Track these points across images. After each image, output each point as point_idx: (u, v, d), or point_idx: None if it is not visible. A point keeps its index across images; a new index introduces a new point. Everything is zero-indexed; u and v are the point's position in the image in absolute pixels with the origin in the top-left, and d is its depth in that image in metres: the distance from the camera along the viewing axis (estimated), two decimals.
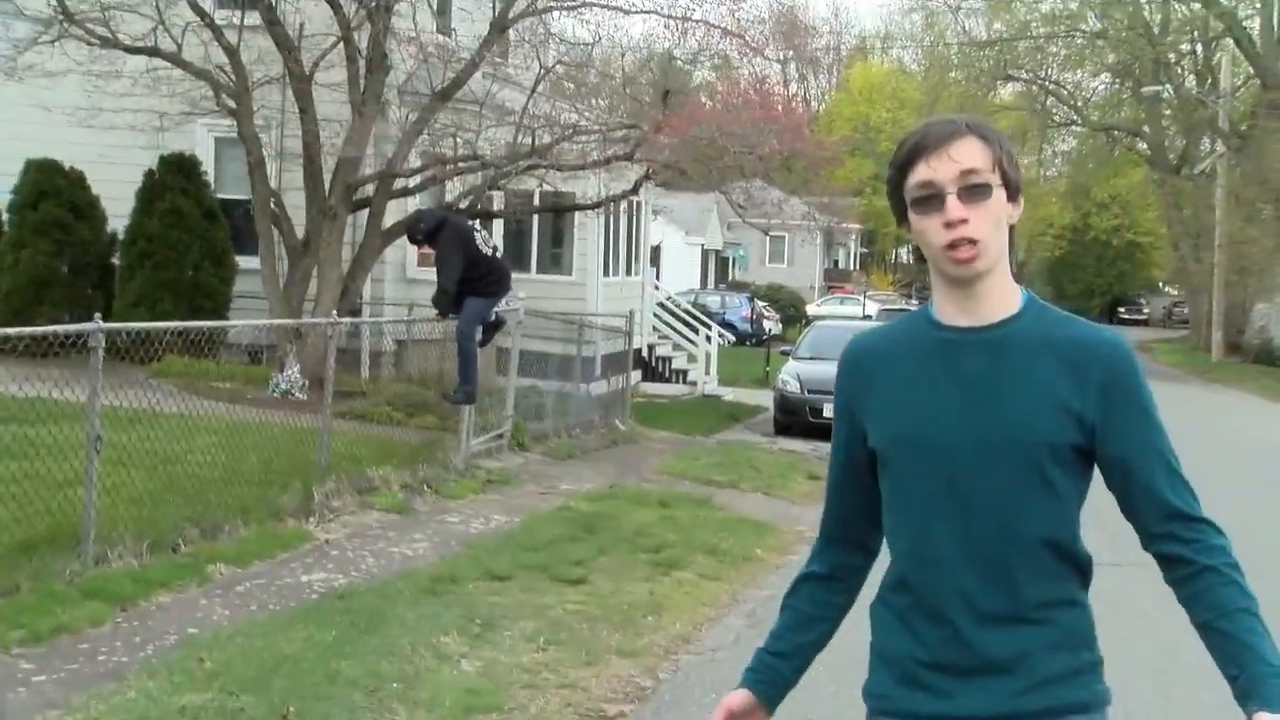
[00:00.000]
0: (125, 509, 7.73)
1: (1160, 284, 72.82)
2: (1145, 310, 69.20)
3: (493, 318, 11.81)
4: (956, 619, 2.27)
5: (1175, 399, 28.48)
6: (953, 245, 2.22)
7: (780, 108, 16.56)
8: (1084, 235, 65.88)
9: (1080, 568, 2.34)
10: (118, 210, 16.41)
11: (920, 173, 2.24)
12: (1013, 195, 2.28)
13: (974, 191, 2.22)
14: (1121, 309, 68.59)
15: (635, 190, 16.77)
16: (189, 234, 16.02)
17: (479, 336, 11.62)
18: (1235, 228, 36.91)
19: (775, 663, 2.53)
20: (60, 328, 6.90)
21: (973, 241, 2.21)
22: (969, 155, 2.23)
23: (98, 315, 7.10)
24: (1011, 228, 2.31)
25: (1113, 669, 2.40)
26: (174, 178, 16.15)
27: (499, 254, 12.49)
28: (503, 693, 5.82)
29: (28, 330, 6.78)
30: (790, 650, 2.53)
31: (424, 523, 9.48)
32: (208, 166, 17.17)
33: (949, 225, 2.21)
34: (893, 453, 2.33)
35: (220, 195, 17.09)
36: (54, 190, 16.21)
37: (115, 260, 16.39)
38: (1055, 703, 2.25)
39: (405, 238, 13.77)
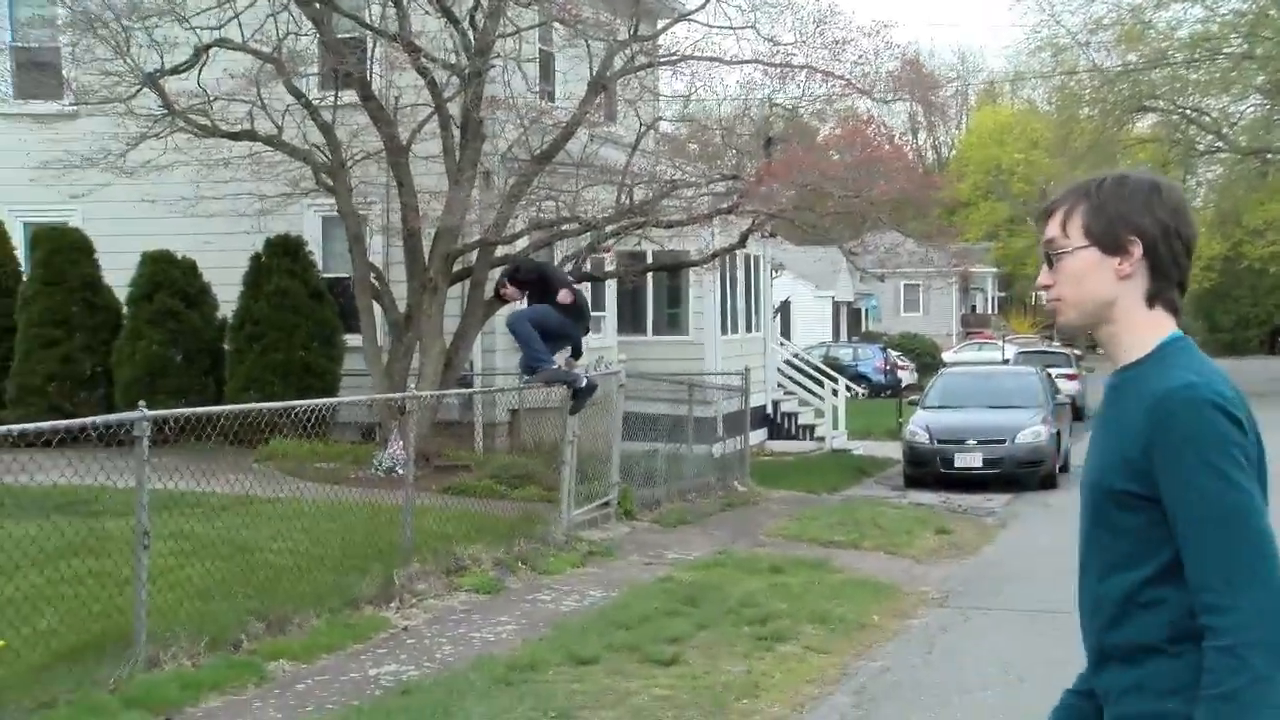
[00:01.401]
0: (189, 604, 7.33)
1: None
2: None
3: (580, 381, 11.37)
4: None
5: None
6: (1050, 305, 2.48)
7: (886, 147, 15.73)
8: (1236, 265, 62.98)
9: (1169, 614, 2.23)
10: (228, 295, 16.41)
11: None
12: (1109, 248, 2.36)
13: (1051, 259, 2.44)
14: None
15: (743, 243, 16.16)
16: (296, 314, 15.90)
17: (554, 366, 11.28)
18: None
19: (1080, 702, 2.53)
20: (101, 418, 6.53)
21: (1056, 300, 2.45)
22: (1048, 228, 2.45)
23: (142, 404, 6.71)
24: (1155, 271, 2.36)
25: None
26: (279, 259, 16.08)
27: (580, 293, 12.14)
28: None
29: (63, 424, 6.42)
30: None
31: (514, 603, 8.91)
32: (314, 246, 17.10)
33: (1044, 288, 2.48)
34: None
35: (327, 274, 17.01)
36: (167, 280, 16.29)
37: (226, 345, 16.36)
38: None
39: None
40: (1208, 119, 49.80)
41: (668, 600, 8.95)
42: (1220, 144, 50.02)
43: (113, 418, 6.54)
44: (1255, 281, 64.43)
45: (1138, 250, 2.33)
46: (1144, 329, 2.37)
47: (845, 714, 6.64)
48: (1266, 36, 42.54)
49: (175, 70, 14.18)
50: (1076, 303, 2.40)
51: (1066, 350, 36.77)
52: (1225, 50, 45.25)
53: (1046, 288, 2.44)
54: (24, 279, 16.66)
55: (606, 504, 12.31)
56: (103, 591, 7.05)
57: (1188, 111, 49.35)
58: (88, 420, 6.47)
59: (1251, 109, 50.88)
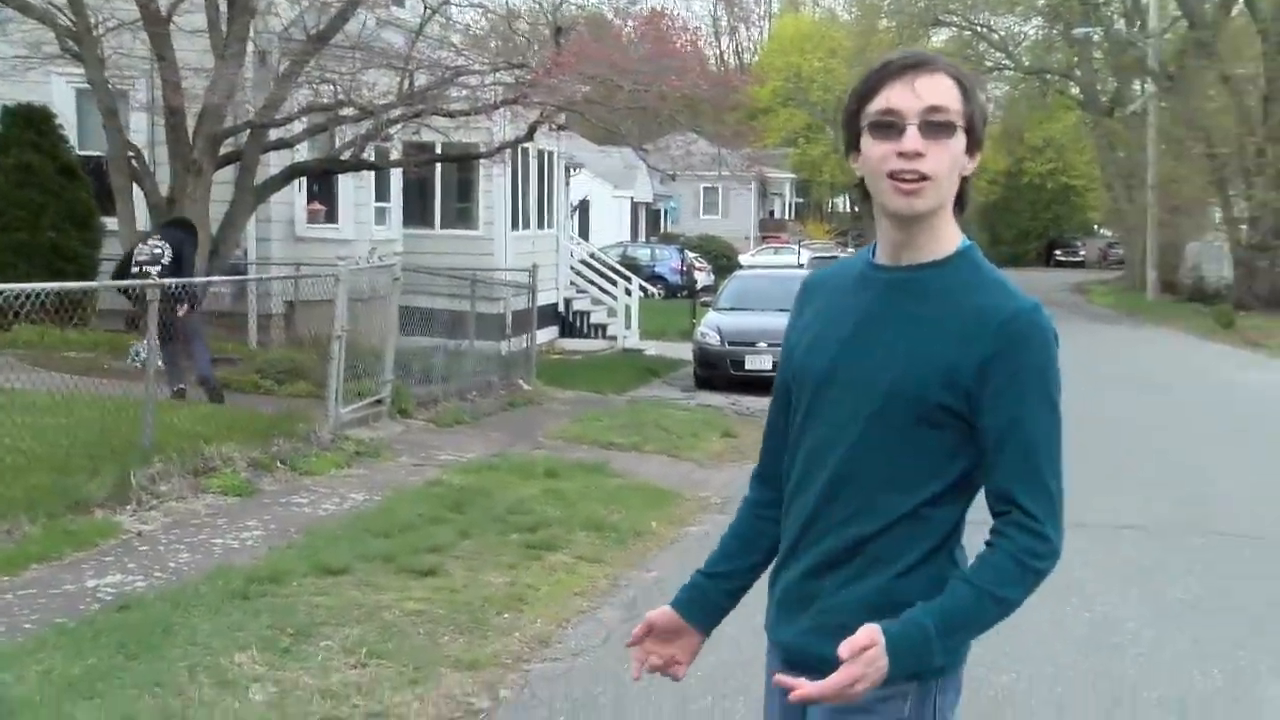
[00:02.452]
0: None
1: (1095, 226, 72.35)
2: (1082, 252, 68.60)
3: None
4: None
5: (1108, 339, 27.89)
6: (901, 175, 2.17)
7: (680, 44, 15.15)
8: (1018, 180, 65.30)
9: (938, 530, 2.25)
10: None
11: (883, 100, 2.20)
12: (973, 148, 2.24)
13: (937, 128, 2.18)
14: (1058, 251, 68.04)
15: (530, 136, 15.45)
16: (43, 193, 14.62)
17: None
18: (1167, 168, 36.22)
19: (706, 583, 2.50)
20: None
21: (924, 177, 2.17)
22: (938, 92, 2.19)
23: None
24: (965, 180, 2.26)
25: None
26: (21, 131, 14.70)
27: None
28: None
29: None
30: (724, 572, 2.51)
31: (265, 506, 8.22)
32: (67, 120, 15.70)
33: (903, 155, 2.17)
34: (791, 384, 2.37)
35: (83, 152, 15.67)
36: None
37: None
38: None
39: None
40: (996, 36, 50.97)
41: (433, 506, 8.39)
42: (1007, 62, 51.31)
43: None
44: (1034, 196, 66.86)
45: (978, 157, 2.27)
46: (951, 231, 2.28)
47: (613, 630, 6.22)
48: None
49: None
50: (941, 186, 2.20)
51: None
52: None
53: (917, 155, 2.16)
54: None
55: (379, 402, 11.65)
56: None
57: (979, 28, 50.39)
58: None
59: (1034, 30, 52.27)
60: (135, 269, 10.95)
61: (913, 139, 2.14)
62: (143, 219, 14.02)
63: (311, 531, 7.56)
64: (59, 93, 15.86)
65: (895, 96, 2.17)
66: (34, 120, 14.82)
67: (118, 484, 7.66)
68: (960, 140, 2.19)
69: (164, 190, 13.72)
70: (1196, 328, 29.17)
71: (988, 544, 2.20)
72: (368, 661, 5.42)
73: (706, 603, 2.49)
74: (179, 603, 5.91)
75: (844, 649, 2.07)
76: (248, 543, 7.28)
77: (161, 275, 10.57)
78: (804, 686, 2.10)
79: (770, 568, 2.46)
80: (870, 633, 2.09)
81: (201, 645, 5.37)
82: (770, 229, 62.50)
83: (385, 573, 6.79)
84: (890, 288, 2.26)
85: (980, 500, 2.29)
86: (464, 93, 14.10)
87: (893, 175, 2.16)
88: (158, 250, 11.13)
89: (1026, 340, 2.17)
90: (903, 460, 2.20)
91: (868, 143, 2.20)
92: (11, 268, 14.18)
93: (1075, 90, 48.84)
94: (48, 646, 5.21)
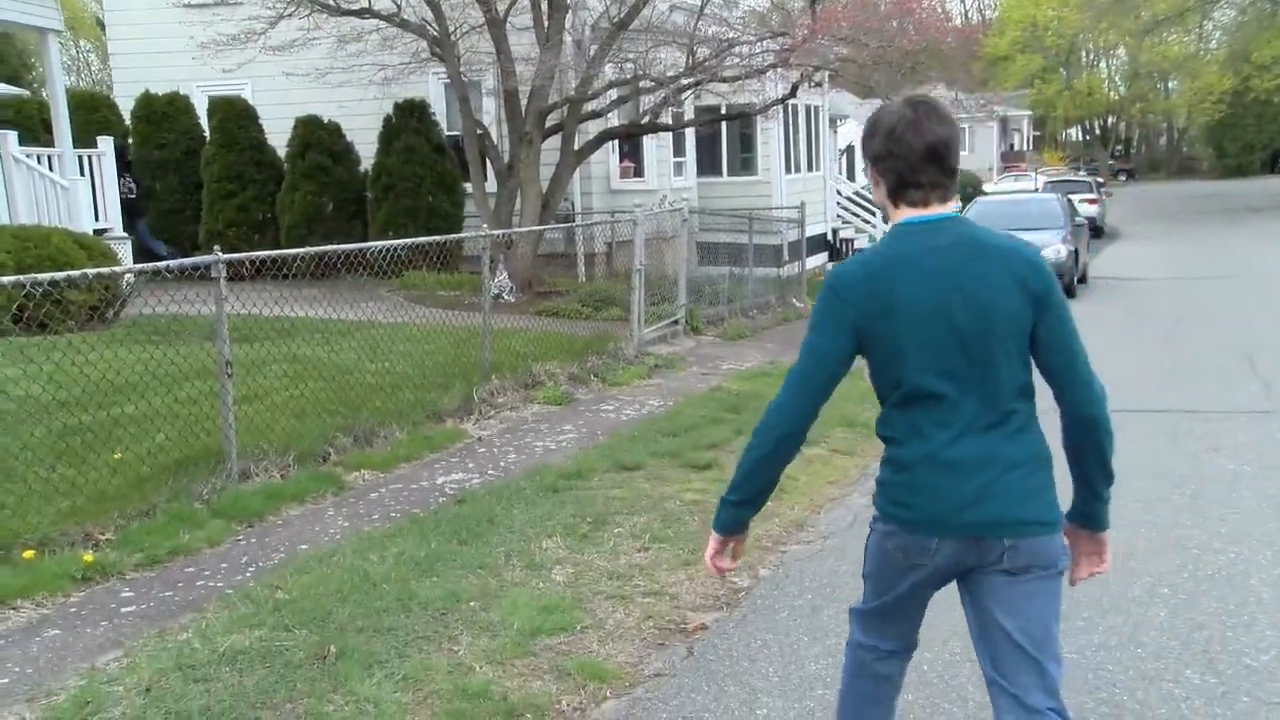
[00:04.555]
0: (284, 422, 6.67)
1: None
2: None
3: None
4: None
5: None
6: None
7: (921, 3, 13.93)
8: (1244, 98, 58.23)
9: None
10: (367, 153, 15.62)
11: None
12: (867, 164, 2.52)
13: None
14: None
15: (794, 93, 14.66)
16: (422, 166, 15.04)
17: None
18: None
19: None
20: (177, 261, 5.74)
21: None
22: None
23: (216, 249, 5.91)
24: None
25: None
26: (406, 120, 15.16)
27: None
28: (581, 608, 4.43)
29: (159, 264, 5.65)
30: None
31: (580, 413, 8.13)
32: (439, 109, 16.12)
33: None
34: None
35: (451, 133, 16.04)
36: (316, 141, 15.52)
37: (367, 194, 15.60)
38: None
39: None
40: None
41: (714, 408, 8.08)
42: None
43: (191, 260, 5.74)
44: (1260, 111, 59.49)
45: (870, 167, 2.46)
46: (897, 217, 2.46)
47: (858, 513, 5.75)
48: None
49: None
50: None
51: (1089, 179, 34.23)
52: None
53: None
54: (206, 142, 16.05)
55: (675, 322, 11.40)
56: (214, 410, 6.42)
57: None
58: (168, 263, 5.68)
59: None
60: None
61: None
62: (491, 183, 14.22)
63: (614, 434, 7.39)
64: (432, 88, 16.26)
65: None
66: (414, 111, 15.25)
67: (465, 398, 7.71)
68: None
69: (505, 159, 13.85)
70: None
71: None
72: (650, 546, 5.17)
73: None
74: (503, 496, 5.84)
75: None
76: (563, 444, 7.18)
77: None
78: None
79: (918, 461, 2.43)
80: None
81: (517, 533, 5.26)
82: (1011, 160, 58.49)
83: (671, 467, 6.53)
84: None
85: None
86: (737, 61, 13.48)
87: None
88: None
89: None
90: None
91: None
92: (403, 226, 14.75)
93: None
94: (404, 533, 5.23)
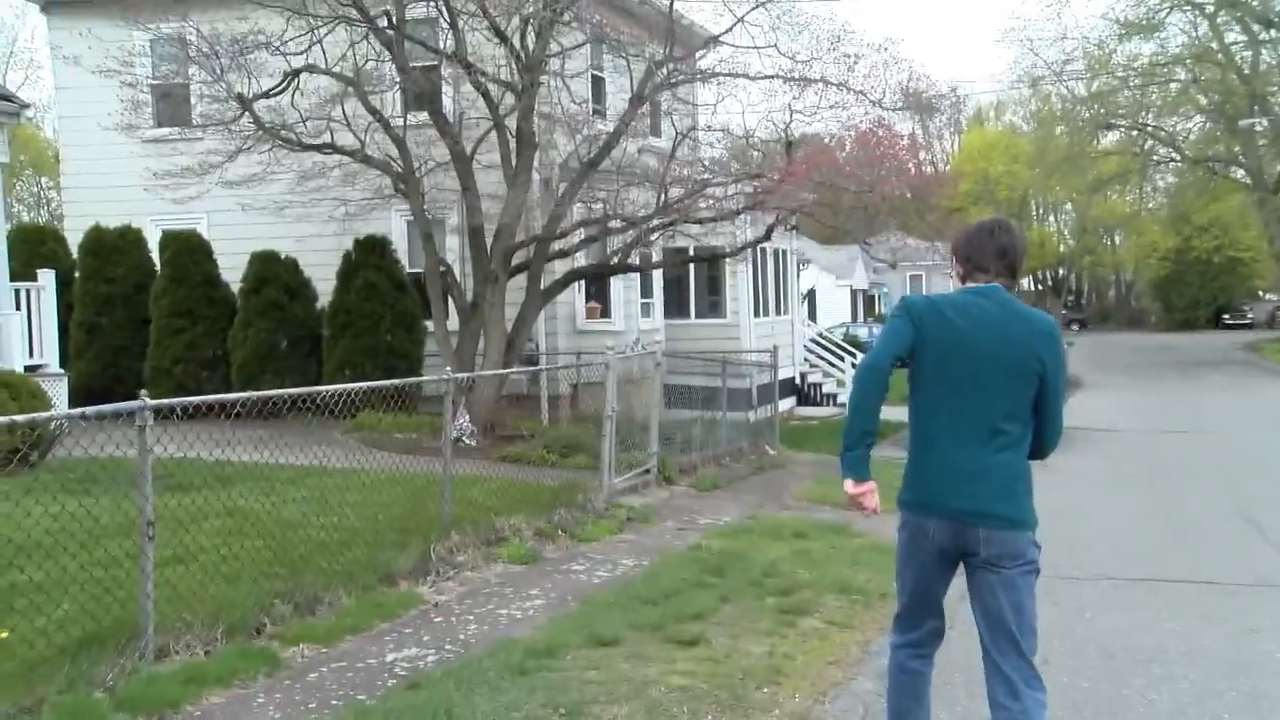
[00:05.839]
0: (214, 587, 5.87)
1: (1260, 292, 65.80)
2: (1249, 315, 62.32)
3: None
4: None
5: None
6: None
7: (894, 150, 13.90)
8: (1186, 255, 60.19)
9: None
10: (325, 289, 15.09)
11: None
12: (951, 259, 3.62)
13: None
14: (1226, 316, 62.03)
15: (768, 236, 14.47)
16: (381, 304, 14.51)
17: None
18: None
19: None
20: (109, 407, 5.05)
21: None
22: None
23: (143, 394, 5.23)
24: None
25: None
26: (367, 256, 14.70)
27: None
28: None
29: (77, 410, 4.95)
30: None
31: (547, 574, 7.37)
32: (401, 246, 15.73)
33: None
34: None
35: (413, 270, 15.60)
36: (272, 276, 14.99)
37: (324, 331, 15.00)
38: None
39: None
40: (1163, 134, 46.99)
41: (695, 571, 7.36)
42: (1174, 155, 47.23)
43: (112, 407, 5.05)
44: (1203, 269, 61.41)
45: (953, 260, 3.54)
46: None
47: (869, 705, 5.03)
48: (1210, 63, 40.12)
49: (267, 94, 12.78)
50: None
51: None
52: (1175, 80, 42.76)
53: None
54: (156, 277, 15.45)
55: (647, 471, 10.76)
56: (132, 575, 5.61)
57: (1146, 128, 46.60)
58: (90, 410, 4.99)
59: (1197, 126, 47.96)
60: None
61: None
62: (454, 321, 13.71)
63: (587, 600, 6.63)
64: (395, 224, 15.91)
65: None
66: (375, 247, 14.83)
67: (421, 556, 6.95)
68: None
69: (469, 297, 13.38)
70: None
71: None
72: None
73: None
74: (462, 680, 5.05)
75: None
76: (529, 612, 6.41)
77: None
78: None
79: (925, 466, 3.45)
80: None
81: None
82: None
83: (653, 642, 5.78)
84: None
85: None
86: (710, 202, 13.25)
87: None
88: None
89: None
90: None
91: None
92: (360, 365, 14.12)
93: (1240, 174, 44.44)
94: None
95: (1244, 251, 58.02)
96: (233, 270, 15.24)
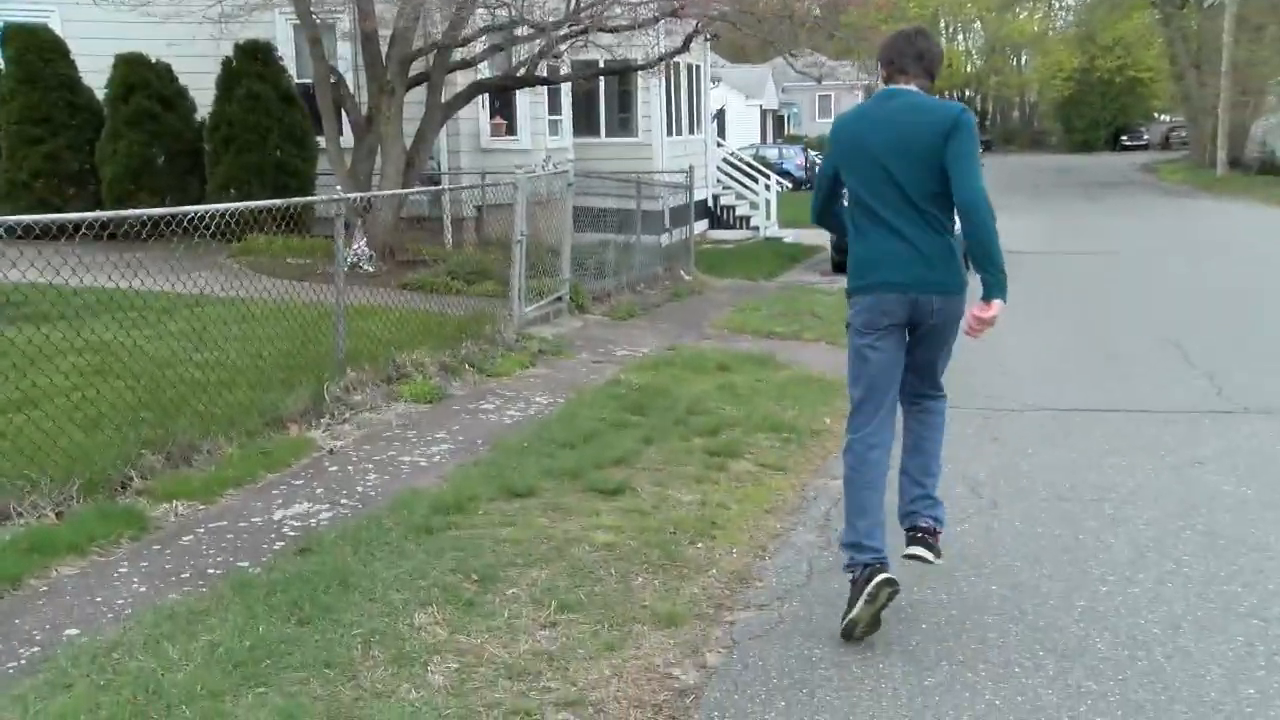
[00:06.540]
0: (68, 437, 5.09)
1: (1156, 114, 66.44)
2: (1145, 137, 63.01)
3: None
4: None
5: (1192, 211, 24.80)
6: None
7: None
8: (1090, 76, 60.12)
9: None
10: (204, 100, 13.64)
11: None
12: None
13: None
14: (1124, 137, 62.66)
15: (686, 47, 13.42)
16: (268, 117, 13.19)
17: None
18: (1244, 52, 32.07)
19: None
20: None
21: None
22: None
23: None
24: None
25: None
26: (249, 64, 13.26)
27: None
28: None
29: None
30: None
31: (454, 414, 6.73)
32: (287, 53, 14.24)
33: None
34: None
35: (302, 80, 14.18)
36: (142, 83, 13.44)
37: (205, 146, 13.64)
38: None
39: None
40: None
41: (615, 409, 6.80)
42: None
43: None
44: (1104, 89, 61.52)
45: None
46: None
47: (813, 559, 4.59)
48: None
49: None
50: None
51: None
52: None
53: None
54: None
55: (559, 299, 10.07)
56: None
57: None
58: None
59: None
60: None
61: None
62: (348, 137, 12.53)
63: (498, 443, 6.03)
64: (279, 29, 14.37)
65: None
66: (258, 54, 13.37)
67: (314, 397, 6.23)
68: None
69: (364, 111, 12.19)
70: (1272, 198, 25.83)
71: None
72: (557, 619, 3.88)
73: None
74: (361, 541, 4.44)
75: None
76: (435, 459, 5.79)
77: None
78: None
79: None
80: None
81: (380, 601, 3.90)
82: None
83: (572, 492, 5.24)
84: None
85: None
86: (624, 9, 12.11)
87: None
88: None
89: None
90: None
91: None
92: (245, 183, 12.93)
93: None
94: (223, 606, 3.78)
95: (1145, 72, 58.11)
96: (96, 75, 13.63)
